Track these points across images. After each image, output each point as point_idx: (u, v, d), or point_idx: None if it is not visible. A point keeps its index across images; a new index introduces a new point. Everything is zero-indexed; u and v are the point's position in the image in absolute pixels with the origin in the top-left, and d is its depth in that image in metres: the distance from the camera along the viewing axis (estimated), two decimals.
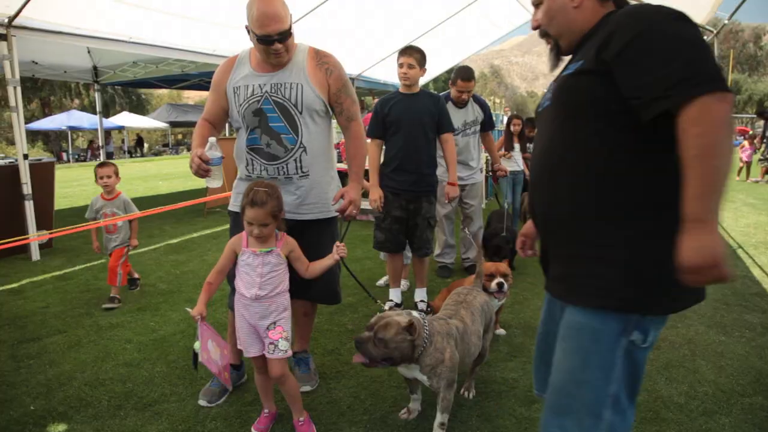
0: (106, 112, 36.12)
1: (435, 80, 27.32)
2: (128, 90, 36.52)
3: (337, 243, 2.48)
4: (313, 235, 2.66)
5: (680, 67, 1.23)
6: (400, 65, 3.75)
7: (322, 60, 2.57)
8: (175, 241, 6.63)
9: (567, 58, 1.64)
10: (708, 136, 1.19)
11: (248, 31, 2.41)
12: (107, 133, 29.63)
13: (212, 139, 2.45)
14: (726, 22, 6.43)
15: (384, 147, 3.94)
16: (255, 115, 2.52)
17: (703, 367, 3.11)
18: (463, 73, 4.63)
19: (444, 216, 4.87)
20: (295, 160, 2.55)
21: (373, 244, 4.01)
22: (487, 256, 4.76)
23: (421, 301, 4.01)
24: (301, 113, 2.51)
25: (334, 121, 2.77)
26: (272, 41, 2.36)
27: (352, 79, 10.78)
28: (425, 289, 4.07)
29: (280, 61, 2.47)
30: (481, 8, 9.74)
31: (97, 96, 11.11)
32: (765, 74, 63.57)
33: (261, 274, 2.32)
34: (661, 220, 1.35)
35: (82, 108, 32.49)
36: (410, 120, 3.76)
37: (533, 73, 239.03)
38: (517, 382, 2.95)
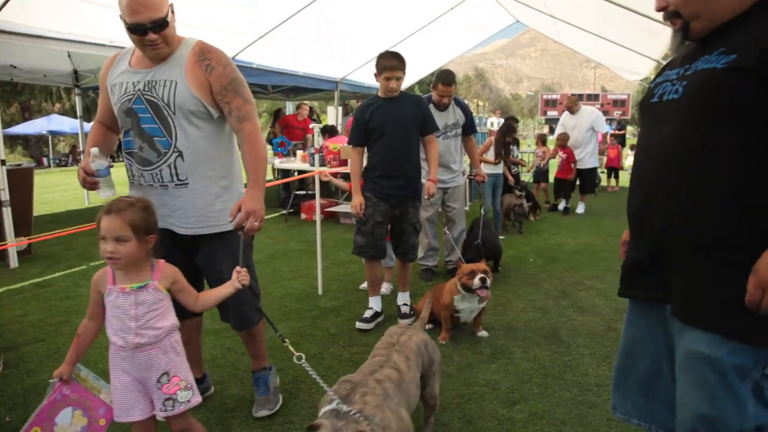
0: (88, 116, 35.65)
1: (420, 83, 27.47)
2: None
3: (237, 268, 2.07)
4: (208, 253, 2.44)
5: None
6: (387, 79, 3.59)
7: (204, 56, 2.29)
8: None
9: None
10: None
11: (122, 21, 2.19)
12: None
13: (94, 150, 2.24)
14: None
15: (367, 152, 3.88)
16: (127, 116, 2.29)
17: None
18: (444, 78, 4.64)
19: (427, 219, 4.88)
20: (170, 166, 2.29)
21: (353, 249, 3.85)
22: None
23: (404, 304, 3.98)
24: (174, 114, 2.25)
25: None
26: (144, 30, 2.13)
27: (336, 83, 10.79)
28: (408, 293, 4.04)
29: (158, 54, 2.23)
30: (464, 11, 9.79)
31: (77, 100, 10.99)
32: None
33: (135, 317, 1.87)
34: None
35: (63, 112, 32.05)
36: (393, 125, 3.67)
37: (517, 75, 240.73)
38: (499, 383, 2.96)
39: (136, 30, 2.14)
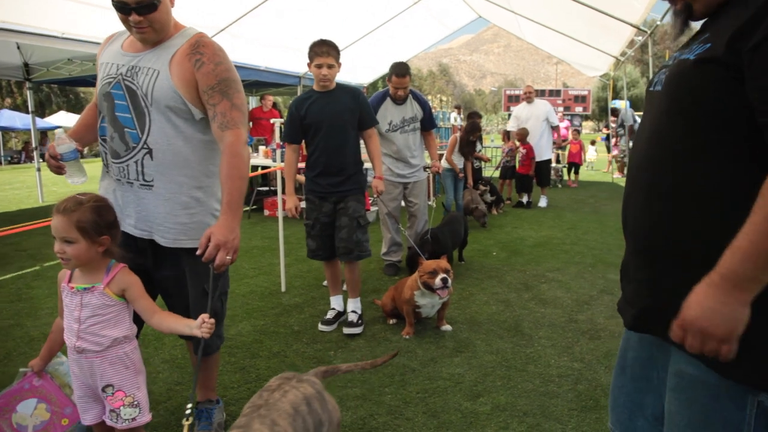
0: (42, 111, 34.58)
1: (384, 78, 27.50)
2: (65, 88, 35.05)
3: (203, 316, 1.78)
4: (187, 265, 2.16)
5: None
6: (318, 66, 3.39)
7: (197, 49, 2.03)
8: None
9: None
10: None
11: None
12: (43, 133, 28.33)
13: (59, 131, 2.09)
14: (659, 23, 6.67)
15: (305, 151, 3.69)
16: (104, 100, 2.08)
17: None
18: (397, 69, 4.57)
19: (387, 214, 4.87)
20: (137, 162, 2.05)
21: (307, 252, 3.74)
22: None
23: (353, 311, 3.66)
24: (150, 106, 2.02)
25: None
26: (128, 10, 1.93)
27: (298, 78, 10.67)
28: (359, 299, 3.74)
29: (144, 38, 2.02)
30: (427, 5, 9.80)
31: (29, 95, 10.59)
32: None
33: (79, 319, 1.78)
34: None
35: (15, 107, 30.95)
36: (330, 120, 3.48)
37: (481, 71, 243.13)
38: (462, 377, 2.97)
39: (119, 8, 1.95)
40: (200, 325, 1.76)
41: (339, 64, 3.48)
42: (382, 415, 2.60)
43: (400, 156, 4.75)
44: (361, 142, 3.72)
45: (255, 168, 8.65)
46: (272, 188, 8.78)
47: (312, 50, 3.43)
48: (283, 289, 4.50)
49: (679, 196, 1.12)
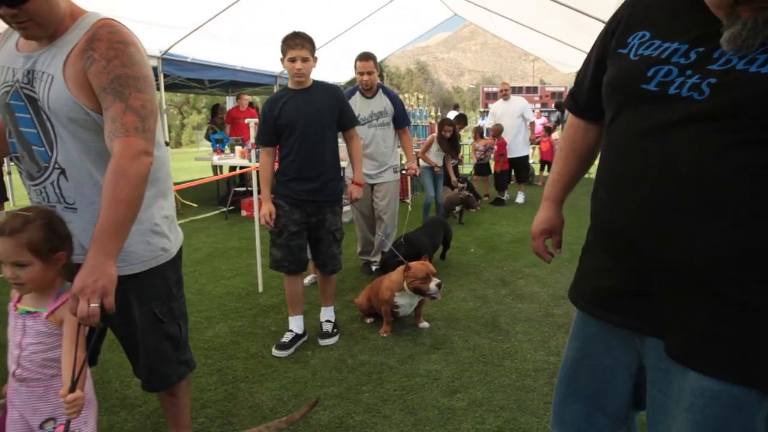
0: None
1: None
2: None
3: (65, 394, 1.42)
4: (131, 292, 1.82)
5: None
6: (291, 60, 3.14)
7: (90, 45, 1.61)
8: None
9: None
10: None
11: None
12: None
13: None
14: None
15: (279, 153, 3.40)
16: (5, 113, 1.72)
17: None
18: (361, 55, 4.47)
19: (360, 214, 4.81)
20: (53, 185, 1.71)
21: (270, 262, 3.41)
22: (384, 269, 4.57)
23: (327, 321, 3.56)
24: (52, 119, 1.66)
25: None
26: None
27: (275, 77, 10.60)
28: (332, 308, 3.62)
29: (28, 34, 1.62)
30: (402, 3, 9.80)
31: None
32: None
33: (19, 345, 1.57)
34: None
35: None
36: (307, 119, 3.21)
37: (459, 68, 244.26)
38: (439, 373, 2.99)
39: None
40: (65, 410, 1.42)
41: (315, 59, 3.26)
42: (359, 414, 2.61)
43: (367, 152, 4.59)
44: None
45: (233, 168, 8.60)
46: (249, 189, 8.72)
47: (285, 43, 3.18)
48: (260, 289, 4.47)
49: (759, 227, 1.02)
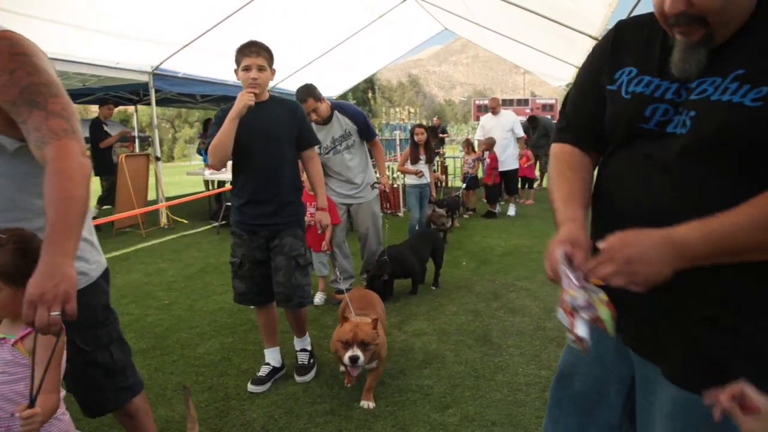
0: None
1: (354, 90, 27.50)
2: None
3: (22, 410, 1.29)
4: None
5: None
6: (246, 68, 2.81)
7: None
8: None
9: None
10: None
11: None
12: None
13: None
14: None
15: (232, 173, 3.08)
16: None
17: None
18: (297, 96, 4.03)
19: (335, 244, 4.43)
20: None
21: (234, 297, 3.11)
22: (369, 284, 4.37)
23: (302, 350, 3.28)
24: None
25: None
26: None
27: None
28: (306, 337, 3.31)
29: None
30: (392, 19, 9.90)
31: None
32: None
33: None
34: None
35: None
36: (263, 136, 2.90)
37: (450, 81, 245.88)
38: (431, 388, 2.99)
39: None
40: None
41: (273, 70, 2.94)
42: (351, 430, 2.60)
43: (342, 178, 4.37)
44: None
45: (222, 183, 8.59)
46: None
47: (239, 52, 2.85)
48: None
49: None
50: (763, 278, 1.06)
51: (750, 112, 1.00)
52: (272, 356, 3.18)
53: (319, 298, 4.51)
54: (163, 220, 8.52)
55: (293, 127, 3.02)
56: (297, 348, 3.29)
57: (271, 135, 2.93)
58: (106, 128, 8.36)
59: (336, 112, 4.27)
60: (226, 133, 2.79)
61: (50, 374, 1.35)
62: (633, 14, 6.10)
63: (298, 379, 3.15)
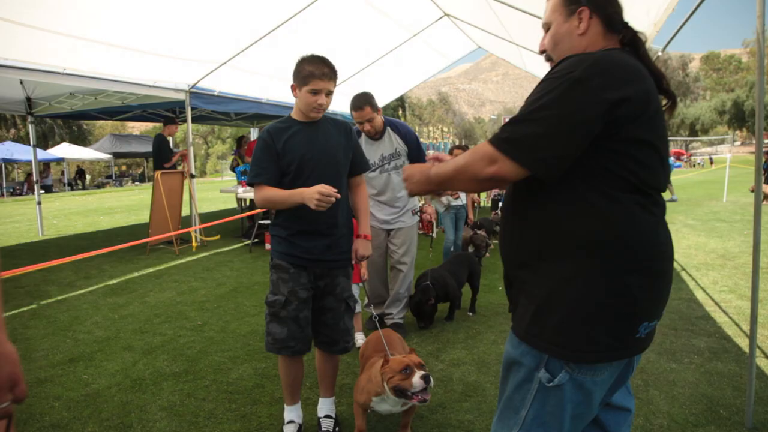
0: (45, 143, 34.89)
1: (385, 107, 27.65)
2: (68, 121, 35.40)
3: None
4: None
5: None
6: (315, 92, 2.53)
7: None
8: (114, 281, 6.28)
9: None
10: None
11: None
12: (46, 165, 28.50)
13: None
14: (660, 54, 6.69)
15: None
16: None
17: (657, 398, 3.09)
18: (354, 102, 3.89)
19: (370, 260, 3.91)
20: None
21: (267, 344, 2.65)
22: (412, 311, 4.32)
23: (327, 417, 2.83)
24: None
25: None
26: None
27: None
28: (333, 398, 2.90)
29: None
30: (426, 38, 9.87)
31: (31, 128, 10.62)
32: (694, 99, 68.14)
33: None
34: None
35: (18, 139, 31.20)
36: (320, 159, 2.60)
37: (480, 99, 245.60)
38: (472, 424, 2.85)
39: None
40: None
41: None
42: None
43: (383, 200, 4.16)
44: None
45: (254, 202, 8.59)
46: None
47: (307, 69, 2.54)
48: None
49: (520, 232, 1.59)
50: (542, 248, 1.44)
51: None
52: (295, 413, 2.80)
53: (359, 338, 4.02)
54: (195, 243, 8.38)
55: (349, 149, 2.76)
56: (321, 413, 2.86)
57: (328, 159, 2.64)
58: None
59: (388, 128, 4.09)
60: (282, 201, 2.54)
61: None
62: (676, 33, 5.93)
63: None
